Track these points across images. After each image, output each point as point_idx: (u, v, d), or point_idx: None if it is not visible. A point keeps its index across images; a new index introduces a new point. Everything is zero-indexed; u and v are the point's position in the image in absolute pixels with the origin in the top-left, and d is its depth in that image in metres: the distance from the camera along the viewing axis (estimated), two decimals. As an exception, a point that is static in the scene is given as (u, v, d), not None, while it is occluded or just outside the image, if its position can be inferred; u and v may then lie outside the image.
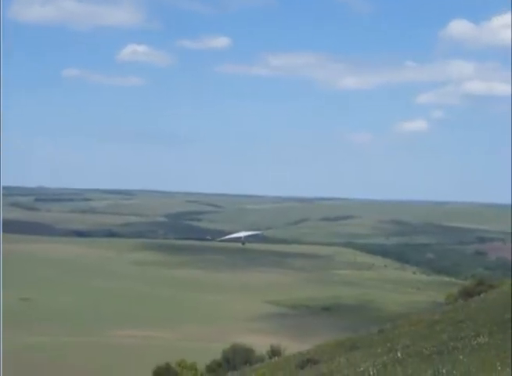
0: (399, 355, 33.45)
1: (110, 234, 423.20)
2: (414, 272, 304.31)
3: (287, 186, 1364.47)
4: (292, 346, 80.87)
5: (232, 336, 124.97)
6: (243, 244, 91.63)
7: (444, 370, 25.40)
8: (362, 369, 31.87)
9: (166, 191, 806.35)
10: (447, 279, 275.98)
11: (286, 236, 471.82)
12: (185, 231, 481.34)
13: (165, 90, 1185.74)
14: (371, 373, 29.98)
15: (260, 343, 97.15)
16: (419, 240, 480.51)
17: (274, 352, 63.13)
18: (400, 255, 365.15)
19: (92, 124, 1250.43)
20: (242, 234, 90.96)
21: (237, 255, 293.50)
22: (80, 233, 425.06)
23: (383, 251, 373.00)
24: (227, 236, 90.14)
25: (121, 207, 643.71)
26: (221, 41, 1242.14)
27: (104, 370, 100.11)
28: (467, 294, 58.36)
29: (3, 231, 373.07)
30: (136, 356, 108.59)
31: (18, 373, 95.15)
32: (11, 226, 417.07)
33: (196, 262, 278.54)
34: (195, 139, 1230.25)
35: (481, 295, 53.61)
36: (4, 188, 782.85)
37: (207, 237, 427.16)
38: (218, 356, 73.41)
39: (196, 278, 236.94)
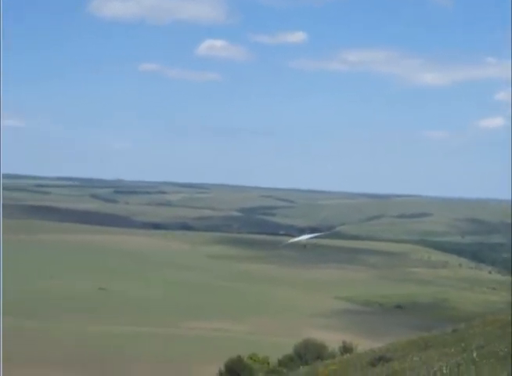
0: (474, 355, 33.02)
1: (185, 227, 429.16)
2: (490, 272, 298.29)
3: (361, 181, 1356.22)
4: (364, 343, 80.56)
5: (302, 331, 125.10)
6: (306, 246, 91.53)
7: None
8: (435, 368, 31.61)
9: (240, 185, 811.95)
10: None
11: (360, 233, 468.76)
12: (258, 225, 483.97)
13: (241, 85, 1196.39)
14: (444, 372, 29.72)
15: (331, 339, 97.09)
16: (495, 239, 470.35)
17: (346, 349, 62.85)
18: (475, 254, 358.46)
19: (169, 119, 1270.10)
20: (304, 237, 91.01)
21: (310, 251, 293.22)
22: (155, 226, 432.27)
23: (458, 250, 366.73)
24: (289, 241, 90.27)
25: (196, 200, 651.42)
26: (298, 37, 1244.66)
27: (176, 361, 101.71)
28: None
29: (84, 221, 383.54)
30: (208, 348, 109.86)
31: (94, 360, 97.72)
32: (91, 217, 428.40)
33: (269, 256, 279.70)
34: (270, 133, 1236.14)
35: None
36: (84, 180, 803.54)
37: (281, 232, 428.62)
38: (289, 351, 73.74)
39: (269, 272, 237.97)
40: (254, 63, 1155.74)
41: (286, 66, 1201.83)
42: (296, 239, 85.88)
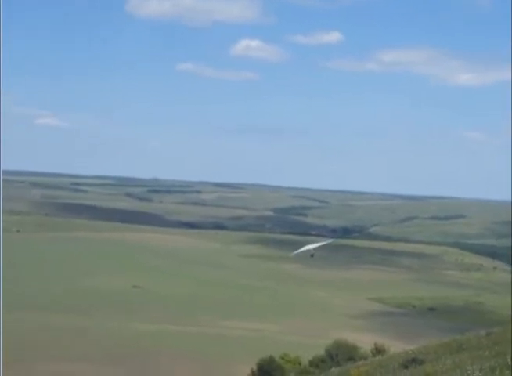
0: (508, 360, 32.94)
1: (218, 226, 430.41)
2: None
3: (395, 183, 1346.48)
4: (396, 345, 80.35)
5: (334, 332, 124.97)
6: (312, 255, 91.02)
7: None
8: (468, 372, 31.63)
9: (274, 185, 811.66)
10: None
11: (393, 234, 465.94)
12: (291, 226, 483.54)
13: (277, 84, 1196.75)
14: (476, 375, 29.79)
15: (362, 340, 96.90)
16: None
17: (378, 350, 62.92)
18: (510, 258, 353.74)
19: (205, 118, 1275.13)
20: (311, 246, 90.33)
21: (342, 252, 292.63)
22: (189, 225, 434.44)
23: (492, 253, 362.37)
24: (299, 250, 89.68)
25: (230, 200, 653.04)
26: (333, 36, 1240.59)
27: (209, 360, 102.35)
28: None
29: (118, 220, 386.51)
30: (240, 347, 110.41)
31: (128, 360, 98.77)
32: (125, 216, 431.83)
33: (301, 257, 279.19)
34: (305, 133, 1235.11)
35: None
36: (119, 178, 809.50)
37: (313, 232, 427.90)
38: (321, 352, 73.79)
39: (301, 273, 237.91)
40: (290, 62, 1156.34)
41: (321, 66, 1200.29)
42: (303, 248, 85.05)
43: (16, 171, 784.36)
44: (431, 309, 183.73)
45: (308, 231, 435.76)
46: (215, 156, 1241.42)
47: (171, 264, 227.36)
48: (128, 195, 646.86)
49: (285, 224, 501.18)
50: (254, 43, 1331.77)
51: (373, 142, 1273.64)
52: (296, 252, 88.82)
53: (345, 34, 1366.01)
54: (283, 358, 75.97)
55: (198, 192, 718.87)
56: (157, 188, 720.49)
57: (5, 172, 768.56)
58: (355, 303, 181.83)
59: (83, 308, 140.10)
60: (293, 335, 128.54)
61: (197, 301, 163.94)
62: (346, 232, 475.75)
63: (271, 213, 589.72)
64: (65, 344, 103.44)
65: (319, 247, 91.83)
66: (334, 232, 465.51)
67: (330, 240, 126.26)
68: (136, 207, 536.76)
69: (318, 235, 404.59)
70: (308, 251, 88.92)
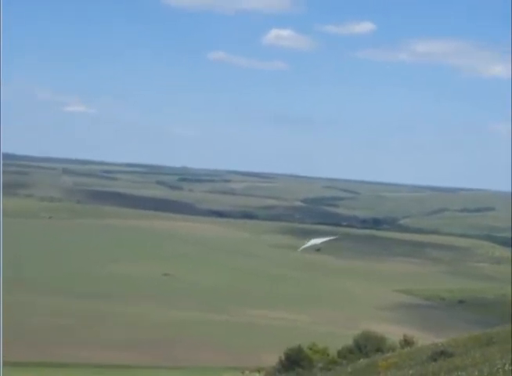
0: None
1: (248, 216, 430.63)
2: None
3: (426, 174, 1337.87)
4: (425, 337, 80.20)
5: (362, 323, 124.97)
6: (319, 250, 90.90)
7: None
8: (498, 365, 31.58)
9: (305, 176, 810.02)
10: None
11: (423, 226, 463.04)
12: (321, 216, 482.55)
13: (307, 74, 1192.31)
14: (507, 369, 29.73)
15: (391, 332, 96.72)
16: None
17: (406, 342, 62.82)
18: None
19: (235, 107, 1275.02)
20: (318, 241, 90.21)
21: (372, 243, 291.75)
22: (219, 213, 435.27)
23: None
24: (306, 245, 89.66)
25: (260, 189, 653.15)
26: (365, 27, 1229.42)
27: (237, 348, 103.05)
28: None
29: (149, 208, 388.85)
30: (269, 336, 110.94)
31: (159, 344, 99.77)
32: (156, 204, 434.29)
33: (331, 247, 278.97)
34: (335, 124, 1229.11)
35: None
36: (151, 166, 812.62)
37: (343, 223, 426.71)
38: (349, 342, 73.91)
39: (330, 263, 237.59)
40: (320, 52, 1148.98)
41: (352, 56, 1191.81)
42: (310, 243, 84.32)
43: (47, 158, 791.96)
44: (461, 302, 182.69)
45: (339, 222, 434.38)
46: (245, 145, 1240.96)
47: (200, 252, 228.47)
48: (159, 183, 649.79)
49: (315, 214, 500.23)
50: (285, 32, 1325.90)
51: (404, 134, 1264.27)
52: (303, 247, 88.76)
53: (377, 24, 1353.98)
54: (310, 348, 76.21)
55: (228, 181, 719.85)
56: (188, 176, 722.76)
57: (37, 159, 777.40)
58: (384, 294, 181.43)
59: (113, 295, 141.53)
60: (322, 325, 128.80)
61: (226, 290, 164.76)
62: (376, 223, 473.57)
63: (301, 203, 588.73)
64: (94, 330, 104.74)
65: (328, 241, 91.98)
66: (365, 223, 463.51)
67: (337, 236, 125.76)
68: (166, 195, 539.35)
69: (348, 226, 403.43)
70: (315, 245, 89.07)
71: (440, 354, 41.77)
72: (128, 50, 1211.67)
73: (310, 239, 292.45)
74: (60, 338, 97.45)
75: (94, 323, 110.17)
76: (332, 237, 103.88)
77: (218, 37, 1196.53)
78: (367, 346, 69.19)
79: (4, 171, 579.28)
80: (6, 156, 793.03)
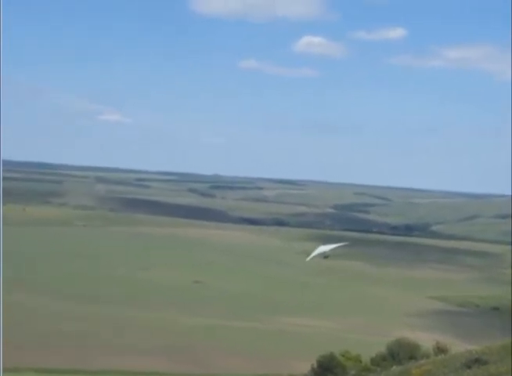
0: None
1: (279, 223, 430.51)
2: None
3: (458, 180, 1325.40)
4: (458, 345, 79.61)
5: (395, 330, 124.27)
6: (327, 257, 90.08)
7: None
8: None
9: (335, 182, 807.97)
10: None
11: (456, 232, 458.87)
12: (352, 223, 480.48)
13: (339, 81, 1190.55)
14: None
15: (424, 339, 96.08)
16: None
17: (440, 349, 62.42)
18: None
19: (267, 115, 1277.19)
20: (326, 248, 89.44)
21: (404, 250, 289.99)
22: (251, 221, 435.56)
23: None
24: (314, 253, 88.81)
25: (291, 196, 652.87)
26: (397, 33, 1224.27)
27: (268, 356, 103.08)
28: None
29: (181, 215, 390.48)
30: (301, 344, 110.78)
31: (190, 351, 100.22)
32: (188, 211, 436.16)
33: (362, 254, 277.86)
34: (366, 130, 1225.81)
35: None
36: (181, 174, 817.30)
37: (374, 230, 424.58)
38: (382, 349, 73.57)
39: (362, 270, 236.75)
40: (352, 59, 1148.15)
41: (384, 62, 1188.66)
42: (318, 251, 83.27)
43: (81, 166, 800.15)
44: (495, 309, 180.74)
45: (370, 228, 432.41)
46: (277, 152, 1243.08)
47: (232, 260, 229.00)
48: (191, 191, 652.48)
49: (346, 221, 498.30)
50: (317, 39, 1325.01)
51: (436, 139, 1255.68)
52: (311, 256, 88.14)
53: (409, 30, 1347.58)
54: (343, 355, 76.02)
55: (259, 188, 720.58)
56: (219, 184, 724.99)
57: (71, 167, 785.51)
58: (416, 301, 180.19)
59: (145, 301, 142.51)
60: (354, 332, 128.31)
61: (257, 297, 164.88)
62: (408, 229, 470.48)
63: (332, 210, 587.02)
64: (125, 336, 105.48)
65: (338, 247, 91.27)
66: (396, 229, 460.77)
67: (346, 243, 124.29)
68: (199, 202, 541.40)
69: (379, 232, 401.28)
70: (323, 252, 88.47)
71: (474, 362, 41.52)
72: (160, 60, 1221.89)
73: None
74: (90, 344, 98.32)
75: (125, 329, 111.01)
76: (341, 244, 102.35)
77: (249, 46, 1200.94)
78: (400, 353, 68.90)
79: (39, 180, 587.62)
80: (42, 165, 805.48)
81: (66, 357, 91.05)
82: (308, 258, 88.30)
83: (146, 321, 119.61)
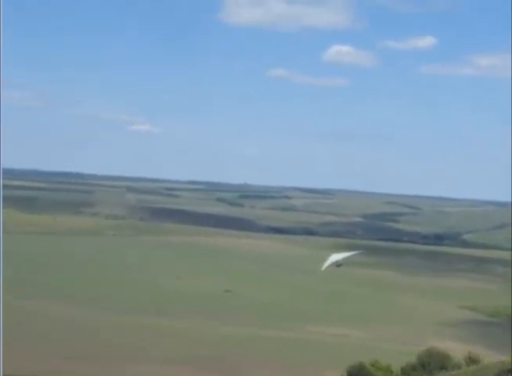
0: None
1: (308, 232, 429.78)
2: None
3: (488, 189, 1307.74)
4: (490, 355, 79.16)
5: (426, 340, 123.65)
6: (339, 266, 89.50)
7: None
8: None
9: (364, 191, 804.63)
10: None
11: (486, 241, 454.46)
12: (382, 232, 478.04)
13: (368, 90, 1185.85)
14: None
15: (456, 349, 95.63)
16: None
17: (472, 360, 62.24)
18: None
19: (295, 124, 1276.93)
20: (340, 256, 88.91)
21: (434, 259, 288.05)
22: (279, 230, 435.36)
23: None
24: (327, 263, 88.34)
25: (320, 206, 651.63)
26: (427, 41, 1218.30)
27: (298, 365, 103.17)
28: None
29: (210, 224, 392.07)
30: (330, 353, 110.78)
31: (220, 360, 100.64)
32: (217, 220, 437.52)
33: (392, 263, 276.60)
34: (396, 139, 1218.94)
35: None
36: (210, 184, 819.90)
37: (404, 239, 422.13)
38: (413, 359, 73.42)
39: (392, 279, 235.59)
40: (382, 68, 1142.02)
41: (414, 71, 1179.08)
42: (331, 259, 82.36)
43: (111, 176, 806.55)
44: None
45: (400, 238, 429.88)
46: (305, 161, 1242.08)
47: (261, 269, 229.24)
48: (220, 200, 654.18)
49: (376, 230, 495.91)
50: (346, 49, 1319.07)
51: (465, 148, 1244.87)
52: (325, 265, 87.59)
53: (439, 38, 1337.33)
54: (373, 365, 75.94)
55: (288, 197, 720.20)
56: (248, 193, 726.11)
57: (102, 177, 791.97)
58: (447, 311, 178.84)
59: (176, 311, 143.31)
60: (385, 342, 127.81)
61: (286, 306, 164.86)
62: (439, 239, 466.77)
63: (361, 219, 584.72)
64: (157, 346, 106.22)
65: (351, 256, 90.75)
66: (426, 238, 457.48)
67: (360, 251, 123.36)
68: (227, 212, 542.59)
69: (410, 242, 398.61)
70: (336, 261, 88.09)
71: (507, 372, 41.43)
72: (189, 70, 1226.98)
73: (369, 255, 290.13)
74: (122, 353, 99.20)
75: (155, 338, 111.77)
76: (355, 252, 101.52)
77: (278, 55, 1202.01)
78: (431, 363, 68.70)
79: (70, 190, 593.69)
80: (73, 175, 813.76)
81: (98, 366, 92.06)
82: (324, 268, 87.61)
83: (176, 330, 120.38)
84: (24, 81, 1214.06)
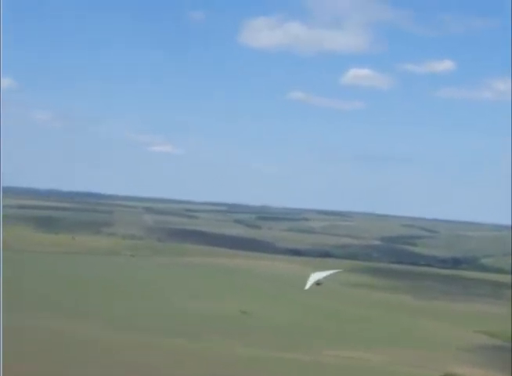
0: None
1: (325, 254, 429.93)
2: None
3: (505, 213, 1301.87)
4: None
5: (442, 364, 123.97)
6: (319, 284, 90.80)
7: None
8: None
9: (382, 214, 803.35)
10: None
11: (505, 266, 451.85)
12: (399, 255, 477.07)
13: (386, 113, 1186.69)
14: None
15: (471, 374, 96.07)
16: None
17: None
18: None
19: (314, 146, 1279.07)
20: (321, 275, 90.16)
21: (451, 283, 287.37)
22: (297, 252, 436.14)
23: None
24: (309, 283, 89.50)
25: (338, 228, 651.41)
26: (446, 65, 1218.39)
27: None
28: None
29: (227, 246, 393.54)
30: None
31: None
32: (234, 242, 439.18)
33: (409, 287, 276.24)
34: (413, 162, 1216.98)
35: None
36: (229, 205, 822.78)
37: (421, 263, 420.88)
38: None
39: (407, 303, 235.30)
40: (400, 91, 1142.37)
41: (432, 94, 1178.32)
42: (312, 278, 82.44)
43: (130, 196, 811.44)
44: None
45: (417, 261, 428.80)
46: (323, 183, 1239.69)
47: (277, 290, 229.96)
48: (237, 221, 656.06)
49: (393, 253, 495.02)
50: (364, 72, 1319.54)
51: (484, 172, 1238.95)
52: (308, 285, 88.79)
53: (457, 62, 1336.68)
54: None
55: (306, 219, 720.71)
56: (266, 215, 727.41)
57: (120, 198, 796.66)
58: (465, 335, 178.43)
59: (192, 331, 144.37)
60: (400, 366, 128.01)
61: (304, 328, 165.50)
62: (456, 262, 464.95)
63: (378, 242, 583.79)
64: (174, 367, 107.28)
65: (334, 274, 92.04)
66: (444, 262, 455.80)
67: (340, 270, 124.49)
68: (245, 233, 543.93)
69: (427, 265, 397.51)
70: (318, 280, 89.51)
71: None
72: (209, 91, 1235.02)
73: (386, 278, 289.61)
74: (139, 373, 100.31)
75: (173, 358, 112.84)
76: (335, 271, 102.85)
77: (296, 78, 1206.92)
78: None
79: (90, 210, 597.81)
80: (92, 195, 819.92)
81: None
82: (307, 287, 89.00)
83: (192, 350, 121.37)
84: (46, 102, 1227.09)
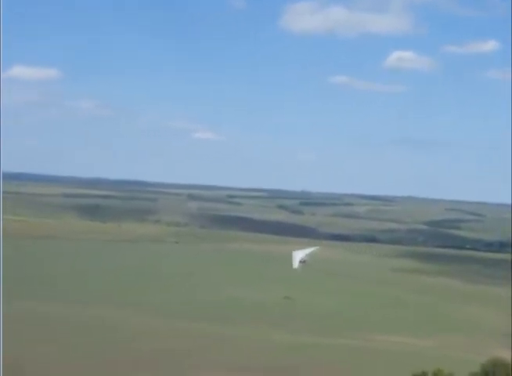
0: None
1: (370, 239, 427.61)
2: None
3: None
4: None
5: (490, 349, 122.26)
6: (304, 262, 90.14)
7: None
8: None
9: (426, 198, 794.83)
10: None
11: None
12: (444, 239, 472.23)
13: (429, 96, 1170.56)
14: None
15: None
16: None
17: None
18: None
19: (356, 130, 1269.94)
20: (303, 252, 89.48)
21: (497, 266, 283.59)
22: (341, 237, 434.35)
23: None
24: (295, 263, 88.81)
25: (382, 213, 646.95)
26: (490, 45, 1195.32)
27: (359, 373, 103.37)
28: None
29: (271, 232, 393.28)
30: (393, 361, 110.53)
31: (281, 368, 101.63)
32: (278, 228, 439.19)
33: (455, 271, 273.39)
34: (457, 145, 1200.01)
35: None
36: (271, 191, 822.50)
37: (467, 246, 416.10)
38: (476, 369, 73.20)
39: (454, 288, 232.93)
40: (443, 73, 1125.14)
41: (476, 76, 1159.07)
42: (297, 258, 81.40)
43: (174, 184, 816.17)
44: None
45: (463, 245, 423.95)
46: (366, 168, 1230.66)
47: (322, 277, 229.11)
48: (281, 207, 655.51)
49: (438, 237, 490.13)
50: (407, 54, 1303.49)
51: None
52: (295, 264, 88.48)
53: (501, 42, 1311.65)
54: (436, 374, 76.04)
55: (349, 204, 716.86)
56: (309, 200, 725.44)
57: (165, 185, 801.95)
58: (509, 320, 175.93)
59: (233, 317, 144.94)
60: (448, 351, 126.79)
61: (349, 314, 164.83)
62: (503, 246, 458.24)
63: (423, 226, 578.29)
64: (218, 353, 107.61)
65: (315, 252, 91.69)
66: (490, 246, 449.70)
67: (318, 247, 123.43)
68: (288, 219, 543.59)
69: (473, 249, 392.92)
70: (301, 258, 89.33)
71: None
72: (251, 78, 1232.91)
73: (432, 263, 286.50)
74: (182, 361, 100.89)
75: (218, 346, 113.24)
76: (316, 248, 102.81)
77: (339, 62, 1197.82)
78: (495, 373, 68.48)
79: (135, 198, 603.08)
80: (138, 183, 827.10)
81: (161, 373, 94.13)
82: (295, 266, 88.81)
83: (237, 337, 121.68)
84: (91, 91, 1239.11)
